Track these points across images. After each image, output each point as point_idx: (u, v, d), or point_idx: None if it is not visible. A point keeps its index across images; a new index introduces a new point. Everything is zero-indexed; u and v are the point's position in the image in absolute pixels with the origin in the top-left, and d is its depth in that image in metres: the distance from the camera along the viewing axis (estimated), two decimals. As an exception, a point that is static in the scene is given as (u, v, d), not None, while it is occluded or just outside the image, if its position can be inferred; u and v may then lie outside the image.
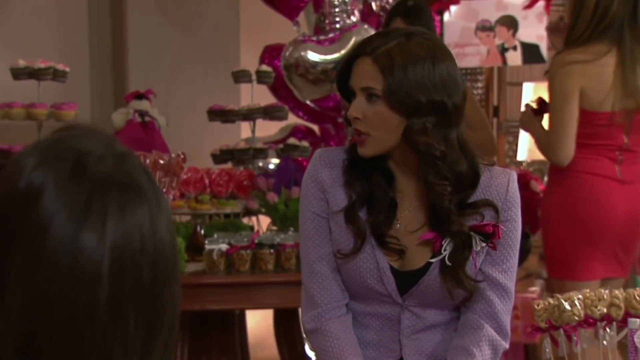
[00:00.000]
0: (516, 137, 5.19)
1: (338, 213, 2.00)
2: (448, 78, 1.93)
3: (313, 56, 4.47)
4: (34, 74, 3.85)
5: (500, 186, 2.02)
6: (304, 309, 2.09)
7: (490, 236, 1.98)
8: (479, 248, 1.97)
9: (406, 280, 2.00)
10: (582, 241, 3.37)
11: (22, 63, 3.86)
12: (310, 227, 2.05)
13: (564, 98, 3.34)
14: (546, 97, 3.62)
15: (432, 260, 1.98)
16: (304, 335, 4.09)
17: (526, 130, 3.69)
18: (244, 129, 4.68)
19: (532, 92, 4.76)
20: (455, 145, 1.95)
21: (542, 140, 3.46)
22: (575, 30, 3.36)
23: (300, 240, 2.09)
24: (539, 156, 5.13)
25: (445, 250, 1.97)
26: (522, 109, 3.78)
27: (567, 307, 1.95)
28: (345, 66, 1.99)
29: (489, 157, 3.26)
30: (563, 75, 3.34)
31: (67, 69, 3.94)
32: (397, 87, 1.91)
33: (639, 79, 3.33)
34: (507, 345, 2.04)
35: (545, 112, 3.49)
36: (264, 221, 4.00)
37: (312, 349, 2.13)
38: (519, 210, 2.05)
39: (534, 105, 3.54)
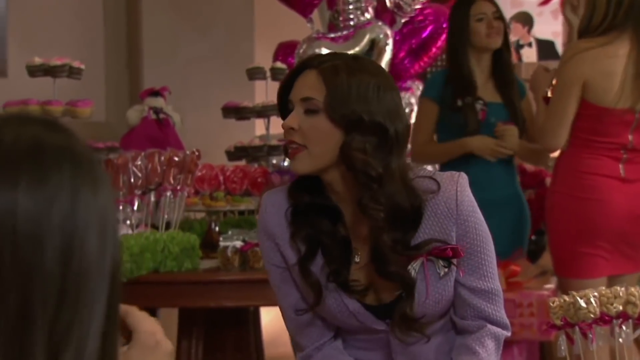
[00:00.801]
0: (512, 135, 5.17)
1: (294, 266, 1.96)
2: (392, 106, 1.88)
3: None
4: (49, 71, 3.86)
5: (449, 201, 1.91)
6: (293, 350, 2.09)
7: (451, 259, 1.93)
8: (442, 273, 1.92)
9: (383, 310, 1.96)
10: (584, 240, 3.37)
11: (37, 60, 3.87)
12: (274, 278, 2.01)
13: (566, 88, 3.35)
14: None
15: (396, 293, 1.93)
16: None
17: (533, 91, 3.67)
18: (259, 126, 4.68)
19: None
20: (396, 176, 1.86)
21: (539, 123, 3.48)
22: (592, 21, 3.35)
23: (273, 288, 2.05)
24: (554, 153, 5.12)
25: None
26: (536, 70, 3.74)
27: (583, 304, 1.94)
28: (289, 80, 1.91)
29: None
30: (571, 64, 3.34)
31: (83, 67, 3.95)
32: (339, 97, 1.84)
33: None
34: (508, 333, 2.02)
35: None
36: (279, 218, 4.00)
37: None
38: (477, 214, 1.94)
39: (549, 94, 3.54)
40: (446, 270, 1.92)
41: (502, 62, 3.71)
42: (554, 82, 3.46)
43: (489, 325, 1.98)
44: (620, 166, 3.38)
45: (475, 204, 1.94)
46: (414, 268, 1.90)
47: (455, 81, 3.64)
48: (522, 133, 3.71)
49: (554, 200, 3.48)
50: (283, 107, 1.93)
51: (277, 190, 2.01)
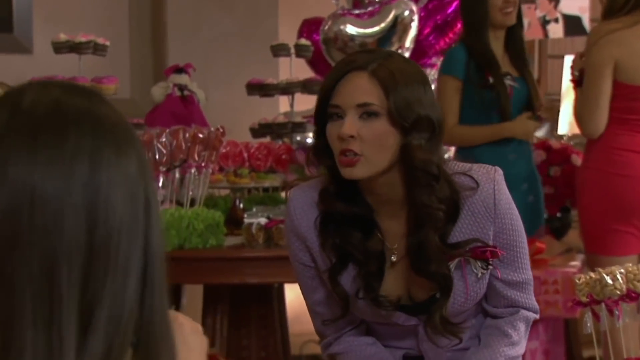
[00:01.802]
0: (557, 111, 5.14)
1: (324, 273, 1.93)
2: (432, 98, 1.87)
3: (352, 30, 4.45)
4: (74, 47, 3.87)
5: (487, 200, 1.88)
6: (317, 334, 2.08)
7: (490, 260, 1.91)
8: (480, 275, 1.90)
9: (417, 308, 1.95)
10: (616, 217, 3.36)
11: (63, 37, 3.88)
12: (301, 274, 1.99)
13: (598, 71, 3.33)
14: None
15: (431, 293, 1.91)
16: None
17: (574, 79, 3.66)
18: (283, 103, 4.67)
19: (573, 65, 4.71)
20: (441, 169, 1.85)
21: (576, 110, 3.46)
22: (615, 2, 3.33)
23: (298, 283, 2.03)
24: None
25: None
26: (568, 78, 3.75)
27: (609, 281, 1.93)
28: (332, 85, 1.83)
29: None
30: (598, 47, 3.32)
31: (108, 43, 3.95)
32: (402, 102, 1.79)
33: None
34: (537, 315, 2.02)
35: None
36: (303, 195, 4.00)
37: None
38: (513, 209, 1.93)
39: (576, 76, 3.52)
40: (484, 272, 1.90)
41: (516, 37, 3.70)
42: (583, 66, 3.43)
43: (522, 310, 1.99)
44: None
45: (511, 199, 1.93)
46: (450, 268, 1.88)
47: (480, 57, 3.60)
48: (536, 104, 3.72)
49: (585, 175, 3.46)
50: (322, 112, 1.85)
51: (304, 189, 1.94)
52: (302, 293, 2.02)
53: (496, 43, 3.68)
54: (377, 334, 2.04)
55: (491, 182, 1.89)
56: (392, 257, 1.91)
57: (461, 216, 1.88)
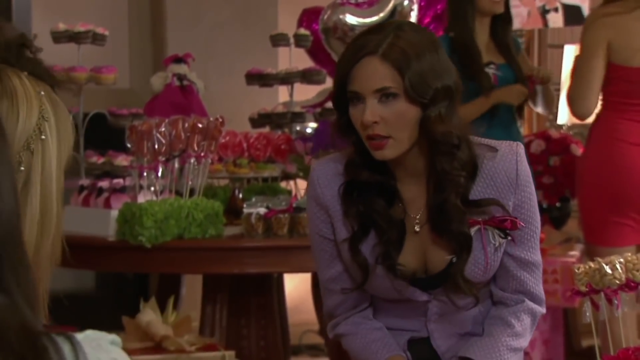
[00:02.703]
0: (556, 100, 5.14)
1: (343, 243, 1.95)
2: (447, 62, 1.90)
3: (351, 19, 4.44)
4: (73, 37, 3.86)
5: (510, 171, 1.93)
6: (324, 318, 2.09)
7: (509, 230, 1.93)
8: (497, 244, 1.92)
9: (430, 282, 1.97)
10: (612, 208, 3.36)
11: (62, 26, 3.88)
12: (318, 248, 2.01)
13: (590, 51, 3.33)
14: None
15: (447, 258, 1.93)
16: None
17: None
18: (282, 93, 4.67)
19: (573, 54, 4.70)
20: (461, 133, 1.90)
21: (568, 92, 3.46)
22: None
23: (313, 257, 2.04)
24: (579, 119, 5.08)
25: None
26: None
27: (608, 270, 1.93)
28: (347, 71, 1.87)
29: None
30: (592, 28, 3.33)
31: (107, 33, 3.95)
32: (417, 79, 1.84)
33: None
34: (544, 310, 2.03)
35: None
36: (302, 185, 4.00)
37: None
38: (532, 185, 1.97)
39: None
40: (502, 241, 1.92)
41: (502, 24, 3.71)
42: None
43: (527, 301, 1.99)
44: None
45: (531, 176, 1.96)
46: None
47: (461, 48, 3.60)
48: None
49: (583, 165, 3.46)
50: (340, 98, 1.89)
51: (327, 160, 1.99)
52: (318, 269, 2.04)
53: (481, 30, 3.69)
54: (385, 312, 2.05)
55: (514, 154, 1.93)
56: (416, 227, 1.94)
57: (483, 184, 1.92)
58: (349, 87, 1.88)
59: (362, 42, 1.89)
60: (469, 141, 1.90)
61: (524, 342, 2.01)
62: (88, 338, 0.97)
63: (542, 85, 3.75)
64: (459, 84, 1.91)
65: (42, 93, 1.21)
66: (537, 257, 1.99)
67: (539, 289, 2.02)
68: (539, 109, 3.90)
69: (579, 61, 3.41)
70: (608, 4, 3.37)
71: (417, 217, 1.94)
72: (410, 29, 1.90)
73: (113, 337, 1.01)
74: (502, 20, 3.72)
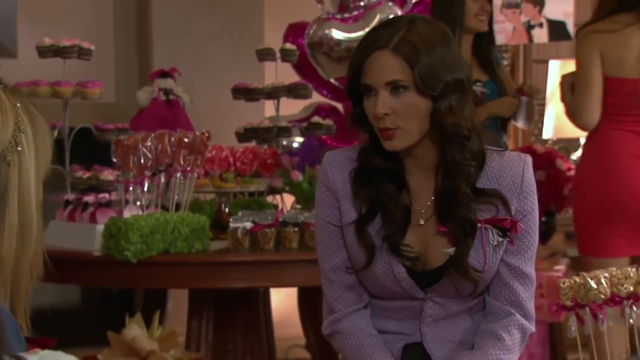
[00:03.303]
0: (541, 115, 5.16)
1: (349, 225, 1.99)
2: (459, 55, 1.95)
3: (337, 34, 4.45)
4: (59, 52, 3.85)
5: (515, 175, 1.98)
6: (323, 315, 2.10)
7: (508, 230, 1.95)
8: (495, 242, 1.95)
9: (427, 278, 1.99)
10: (608, 219, 3.37)
11: (47, 41, 3.87)
12: (324, 236, 2.04)
13: (585, 63, 3.38)
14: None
15: (447, 251, 1.96)
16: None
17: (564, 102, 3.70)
18: (268, 107, 4.67)
19: (558, 69, 4.73)
20: (472, 124, 1.95)
21: (570, 106, 3.50)
22: (603, 4, 3.37)
23: (317, 246, 2.07)
24: (565, 134, 5.10)
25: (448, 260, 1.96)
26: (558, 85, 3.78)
27: (593, 285, 1.94)
28: (359, 65, 1.94)
29: None
30: (585, 43, 3.37)
31: (92, 47, 3.94)
32: (426, 72, 1.89)
33: None
34: (533, 329, 2.05)
35: None
36: (288, 199, 4.00)
37: (337, 351, 2.13)
38: (536, 197, 2.02)
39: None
40: (500, 240, 1.94)
41: (486, 41, 3.74)
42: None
43: (517, 316, 2.00)
44: None
45: (535, 187, 2.01)
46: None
47: None
48: None
49: (580, 175, 3.49)
50: (354, 90, 1.96)
51: (339, 151, 2.06)
52: (321, 259, 2.06)
53: (465, 48, 3.73)
54: (379, 314, 2.06)
55: (521, 162, 1.99)
56: (420, 221, 1.98)
57: (488, 182, 1.97)
58: (362, 80, 1.94)
59: (375, 36, 1.94)
60: (479, 133, 1.96)
61: (513, 358, 2.02)
62: (43, 358, 0.96)
63: (528, 98, 3.79)
64: (471, 77, 1.97)
65: (19, 105, 1.20)
66: (531, 270, 2.02)
67: (531, 305, 2.03)
68: (519, 123, 3.92)
69: (576, 76, 3.45)
70: (598, 21, 3.41)
71: (423, 210, 1.98)
72: (422, 23, 1.95)
73: (70, 357, 1.00)
74: (485, 38, 3.75)
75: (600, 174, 3.39)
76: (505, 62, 5.71)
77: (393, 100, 1.91)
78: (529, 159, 2.01)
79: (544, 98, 4.73)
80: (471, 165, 1.93)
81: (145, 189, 3.33)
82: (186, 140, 3.40)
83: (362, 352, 2.01)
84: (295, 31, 4.69)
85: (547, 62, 5.13)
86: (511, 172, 1.98)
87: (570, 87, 3.57)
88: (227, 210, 3.74)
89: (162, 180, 3.37)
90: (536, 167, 4.23)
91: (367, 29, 4.43)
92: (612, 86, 3.37)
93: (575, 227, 3.55)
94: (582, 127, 3.46)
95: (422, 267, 1.99)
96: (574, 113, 3.47)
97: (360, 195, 1.98)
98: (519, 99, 3.79)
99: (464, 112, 1.93)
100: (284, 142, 4.27)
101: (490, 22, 3.79)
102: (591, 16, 3.51)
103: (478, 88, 3.65)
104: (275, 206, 3.93)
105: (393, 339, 2.04)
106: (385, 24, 1.97)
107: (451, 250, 1.96)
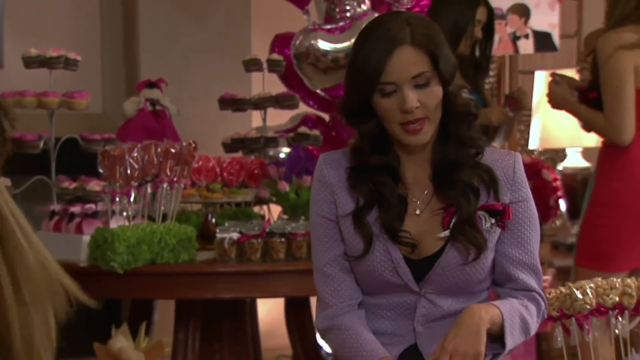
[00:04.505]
0: (528, 125, 5.18)
1: (346, 217, 2.01)
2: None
3: (323, 45, 4.46)
4: (45, 62, 3.85)
5: (507, 167, 2.03)
6: (317, 310, 2.10)
7: (499, 214, 1.97)
8: (487, 225, 1.98)
9: (422, 267, 2.01)
10: (637, 233, 3.38)
11: (33, 52, 3.86)
12: (320, 231, 2.05)
13: (622, 77, 3.35)
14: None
15: (441, 235, 1.98)
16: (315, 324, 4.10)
17: (563, 109, 3.68)
18: (255, 118, 4.67)
19: (544, 80, 4.75)
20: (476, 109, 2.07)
21: (599, 122, 3.46)
22: (616, 9, 3.37)
23: (312, 243, 2.09)
24: (551, 145, 5.12)
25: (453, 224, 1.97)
26: (549, 85, 3.76)
27: (579, 295, 1.95)
28: (381, 65, 1.96)
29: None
30: (617, 56, 3.34)
31: (79, 58, 3.94)
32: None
33: None
34: (547, 310, 2.04)
35: (592, 97, 3.49)
36: (275, 210, 4.00)
37: (329, 347, 2.13)
38: (529, 190, 2.05)
39: (577, 93, 3.55)
40: (492, 222, 1.96)
41: (483, 47, 3.77)
42: (601, 78, 3.43)
43: (535, 293, 2.01)
44: None
45: (527, 183, 2.06)
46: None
47: None
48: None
49: (614, 192, 3.45)
50: (367, 89, 1.98)
51: (334, 152, 2.10)
52: (316, 255, 2.07)
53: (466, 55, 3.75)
54: (372, 314, 2.06)
55: (512, 157, 2.05)
56: (417, 210, 2.01)
57: (482, 175, 2.02)
58: (382, 79, 1.95)
59: (388, 34, 1.96)
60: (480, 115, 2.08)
61: (532, 324, 2.00)
62: None
63: (514, 114, 3.81)
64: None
65: None
66: (536, 262, 2.03)
67: (542, 292, 2.04)
68: (497, 141, 3.94)
69: (610, 92, 3.40)
70: (618, 28, 3.39)
71: (418, 201, 2.01)
72: (420, 17, 2.05)
73: None
74: (482, 43, 3.78)
75: (637, 191, 3.39)
76: (491, 73, 5.74)
77: (419, 93, 1.96)
78: (519, 155, 2.07)
79: (530, 109, 4.74)
80: (481, 139, 2.01)
81: (132, 199, 3.32)
82: (173, 150, 3.40)
83: (362, 347, 2.01)
84: (281, 42, 4.69)
85: (533, 72, 5.15)
86: (503, 164, 2.03)
87: (580, 97, 3.54)
88: (213, 220, 3.74)
89: (149, 190, 3.37)
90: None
91: (353, 40, 4.44)
92: None
93: (606, 246, 3.49)
94: (619, 144, 3.42)
95: (417, 257, 2.01)
96: (611, 130, 3.42)
97: (358, 187, 2.01)
98: (508, 110, 3.80)
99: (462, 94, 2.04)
100: (271, 153, 4.28)
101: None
102: (607, 21, 3.49)
103: (464, 94, 3.67)
104: (262, 217, 3.93)
105: (388, 342, 2.03)
106: (384, 22, 2.01)
107: (445, 232, 1.98)
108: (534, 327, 2.01)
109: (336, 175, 2.03)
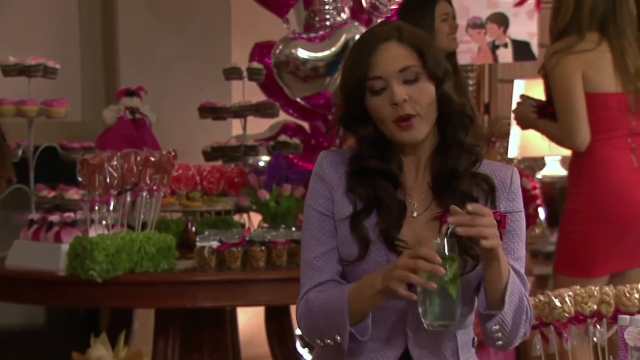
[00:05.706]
0: (507, 134, 5.20)
1: (343, 220, 1.99)
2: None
3: (303, 53, 4.47)
4: (24, 70, 3.84)
5: (504, 177, 2.03)
6: (298, 303, 2.07)
7: (497, 223, 1.97)
8: None
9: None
10: (619, 237, 3.39)
11: (12, 60, 3.85)
12: (314, 225, 2.02)
13: (568, 83, 3.39)
14: (538, 95, 3.64)
15: (437, 242, 1.97)
16: (296, 333, 4.10)
17: (528, 128, 3.73)
18: (235, 126, 4.67)
19: (523, 89, 4.77)
20: (473, 113, 2.04)
21: (555, 131, 3.50)
22: (557, 24, 3.42)
23: (303, 236, 2.05)
24: (530, 153, 5.14)
25: (449, 228, 1.96)
26: (514, 107, 3.81)
27: (558, 303, 1.96)
28: (366, 61, 1.97)
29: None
30: (563, 63, 3.38)
31: (58, 66, 3.93)
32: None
33: (630, 68, 3.38)
34: (532, 318, 2.03)
35: (550, 111, 3.52)
36: (255, 218, 3.99)
37: (305, 333, 2.08)
38: (521, 201, 2.06)
39: (535, 110, 3.58)
40: None
41: (454, 62, 3.76)
42: (551, 88, 3.47)
43: (524, 299, 1.99)
44: (632, 156, 3.42)
45: (522, 197, 2.05)
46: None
47: None
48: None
49: (580, 199, 3.46)
50: (356, 89, 1.97)
51: (335, 151, 2.09)
52: (306, 248, 2.04)
53: None
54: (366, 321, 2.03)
55: (509, 169, 2.05)
56: (414, 213, 2.00)
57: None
58: (369, 75, 1.95)
59: (376, 32, 2.00)
60: (477, 126, 2.03)
61: (526, 317, 1.95)
62: None
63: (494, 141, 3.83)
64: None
65: None
66: (524, 271, 2.02)
67: (529, 300, 2.01)
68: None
69: (559, 98, 3.44)
70: (561, 39, 3.43)
71: (416, 204, 2.01)
72: (407, 25, 2.05)
73: None
74: (453, 58, 3.77)
75: (604, 195, 3.41)
76: (470, 82, 5.76)
77: (407, 87, 1.95)
78: (516, 169, 2.07)
79: (509, 117, 4.76)
80: (477, 145, 2.01)
81: (111, 208, 3.31)
82: (152, 159, 3.40)
83: (330, 298, 1.97)
84: (261, 50, 4.70)
85: (512, 81, 5.17)
86: (500, 174, 2.03)
87: (538, 112, 3.57)
88: (193, 229, 3.73)
89: (128, 199, 3.36)
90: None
91: (333, 49, 4.46)
92: (593, 103, 3.40)
93: (569, 251, 3.51)
94: (579, 147, 3.45)
95: None
96: (565, 136, 3.45)
97: (356, 191, 2.00)
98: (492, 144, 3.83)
99: (463, 96, 2.03)
100: (251, 161, 4.28)
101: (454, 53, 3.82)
102: (550, 38, 3.54)
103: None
104: (242, 225, 3.93)
105: (379, 348, 2.02)
106: (374, 28, 2.06)
107: (440, 237, 1.96)
108: (526, 323, 2.00)
109: (336, 174, 2.02)
